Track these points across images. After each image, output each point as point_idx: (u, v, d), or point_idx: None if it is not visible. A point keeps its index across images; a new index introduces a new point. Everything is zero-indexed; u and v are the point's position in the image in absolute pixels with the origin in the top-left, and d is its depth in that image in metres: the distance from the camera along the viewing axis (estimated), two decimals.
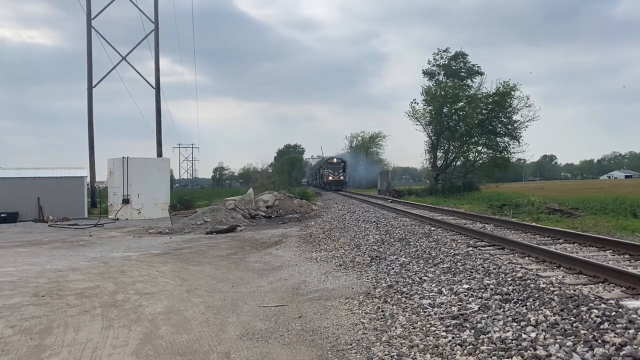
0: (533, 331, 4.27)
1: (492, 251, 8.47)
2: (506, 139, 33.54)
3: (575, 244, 8.96)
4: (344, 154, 69.61)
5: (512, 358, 3.82)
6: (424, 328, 4.78)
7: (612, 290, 5.49)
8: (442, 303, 5.51)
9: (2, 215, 21.78)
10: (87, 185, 26.38)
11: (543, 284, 5.67)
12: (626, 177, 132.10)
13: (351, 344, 4.58)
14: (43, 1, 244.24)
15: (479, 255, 7.90)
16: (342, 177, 52.90)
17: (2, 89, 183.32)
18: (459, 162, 36.24)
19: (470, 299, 5.51)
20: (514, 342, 4.10)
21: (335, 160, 55.72)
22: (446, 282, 6.47)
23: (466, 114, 32.95)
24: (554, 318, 4.51)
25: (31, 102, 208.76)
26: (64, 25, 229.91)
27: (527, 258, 7.67)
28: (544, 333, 4.20)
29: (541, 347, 3.89)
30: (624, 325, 4.13)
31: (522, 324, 4.49)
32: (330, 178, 52.53)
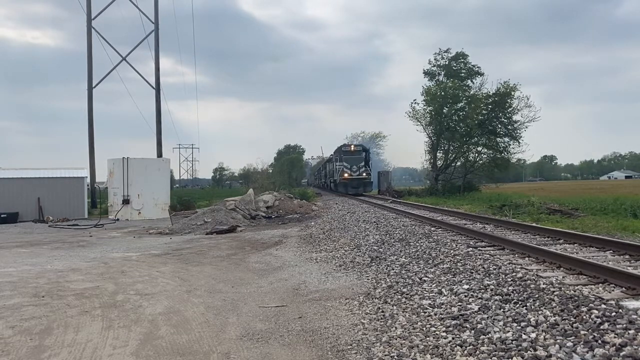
0: (533, 332, 4.27)
1: (492, 252, 8.46)
2: (506, 139, 33.53)
3: (575, 245, 8.95)
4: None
5: (512, 358, 3.82)
6: (424, 328, 4.78)
7: (612, 290, 5.48)
8: (442, 303, 5.51)
9: (2, 215, 21.79)
10: (87, 185, 26.40)
11: (543, 284, 5.66)
12: (626, 177, 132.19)
13: (351, 345, 4.58)
14: (47, 1, 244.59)
15: (479, 255, 7.89)
16: (364, 174, 35.50)
17: (5, 89, 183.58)
18: (458, 163, 36.21)
19: (471, 300, 5.51)
20: (514, 342, 4.10)
21: (352, 147, 37.27)
22: (446, 282, 6.47)
23: (466, 114, 32.93)
24: (554, 318, 4.50)
25: (33, 102, 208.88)
26: (67, 26, 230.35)
27: (527, 258, 7.66)
28: (544, 333, 4.20)
29: (541, 348, 3.90)
30: (624, 325, 4.13)
31: (522, 324, 4.49)
32: (346, 175, 35.19)
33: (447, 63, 35.09)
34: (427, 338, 4.51)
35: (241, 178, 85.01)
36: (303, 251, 10.81)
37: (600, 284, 5.78)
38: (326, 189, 46.63)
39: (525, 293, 5.43)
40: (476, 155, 35.12)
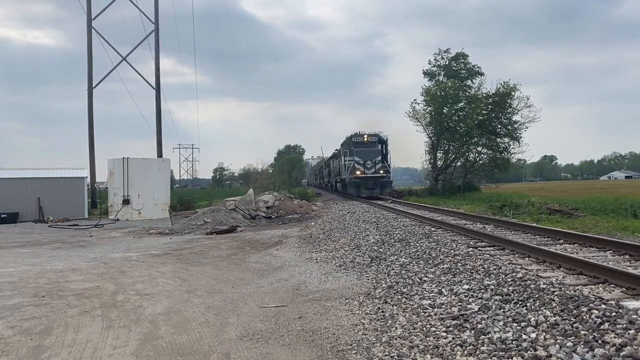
0: (533, 332, 4.27)
1: (492, 252, 8.46)
2: (506, 139, 33.52)
3: (575, 245, 8.95)
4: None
5: (512, 358, 3.82)
6: (424, 328, 4.78)
7: (613, 290, 5.49)
8: (443, 303, 5.50)
9: (2, 215, 21.79)
10: (88, 185, 26.40)
11: (543, 284, 5.66)
12: (626, 177, 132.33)
13: (351, 345, 4.58)
14: (48, 1, 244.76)
15: (479, 255, 7.89)
16: (381, 172, 28.53)
17: (5, 89, 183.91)
18: (458, 163, 36.20)
19: (471, 300, 5.51)
20: (514, 342, 4.10)
21: (366, 137, 29.30)
22: (446, 282, 6.47)
23: (466, 114, 32.92)
24: (554, 319, 4.50)
25: (33, 102, 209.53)
26: (68, 26, 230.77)
27: (527, 259, 7.66)
28: (544, 333, 4.20)
29: (541, 348, 3.89)
30: (624, 325, 4.13)
31: (523, 324, 4.49)
32: (358, 173, 28.17)
33: (447, 63, 35.09)
34: (427, 338, 4.50)
35: (241, 178, 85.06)
36: (303, 251, 10.81)
37: (601, 284, 5.79)
38: (330, 189, 41.95)
39: (526, 293, 5.43)
40: (476, 155, 35.11)
